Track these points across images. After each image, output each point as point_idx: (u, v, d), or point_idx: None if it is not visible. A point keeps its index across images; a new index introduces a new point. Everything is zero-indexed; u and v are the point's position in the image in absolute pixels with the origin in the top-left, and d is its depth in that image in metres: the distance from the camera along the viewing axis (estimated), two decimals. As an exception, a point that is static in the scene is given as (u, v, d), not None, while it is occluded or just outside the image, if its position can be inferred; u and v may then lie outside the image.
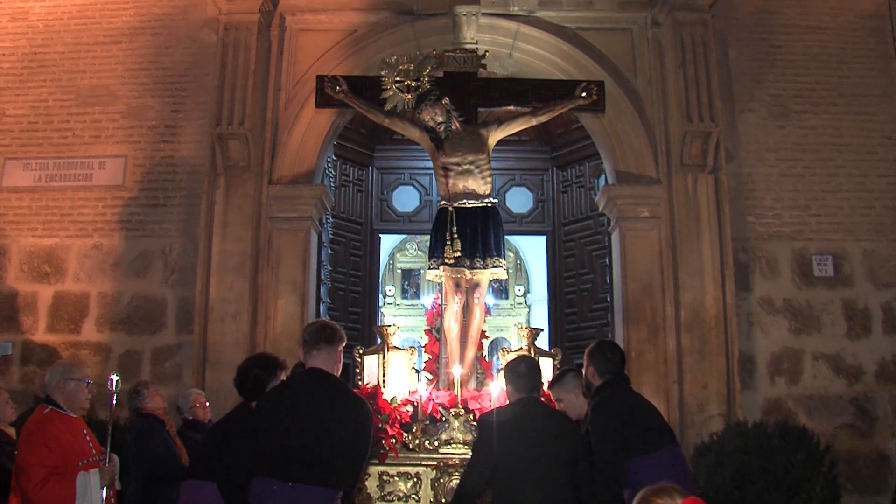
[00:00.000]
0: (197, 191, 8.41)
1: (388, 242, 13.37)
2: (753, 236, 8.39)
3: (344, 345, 4.26)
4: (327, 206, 8.82)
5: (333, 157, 9.61)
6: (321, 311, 8.87)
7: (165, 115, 8.72)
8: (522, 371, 4.74)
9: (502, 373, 5.23)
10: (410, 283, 16.58)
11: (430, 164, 10.61)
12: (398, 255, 16.40)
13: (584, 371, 4.88)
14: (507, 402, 4.87)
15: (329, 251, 9.41)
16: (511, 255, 15.35)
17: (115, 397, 5.26)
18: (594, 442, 4.51)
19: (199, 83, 8.72)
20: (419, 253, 16.32)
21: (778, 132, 8.64)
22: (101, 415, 6.63)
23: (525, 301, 16.06)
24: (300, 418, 3.98)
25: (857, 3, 8.99)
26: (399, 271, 16.58)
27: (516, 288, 16.16)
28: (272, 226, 8.28)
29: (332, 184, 9.56)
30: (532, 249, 14.45)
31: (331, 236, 9.52)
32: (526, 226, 10.80)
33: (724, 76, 8.64)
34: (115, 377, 5.35)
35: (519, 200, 10.65)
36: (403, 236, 16.36)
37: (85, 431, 4.95)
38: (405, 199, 10.78)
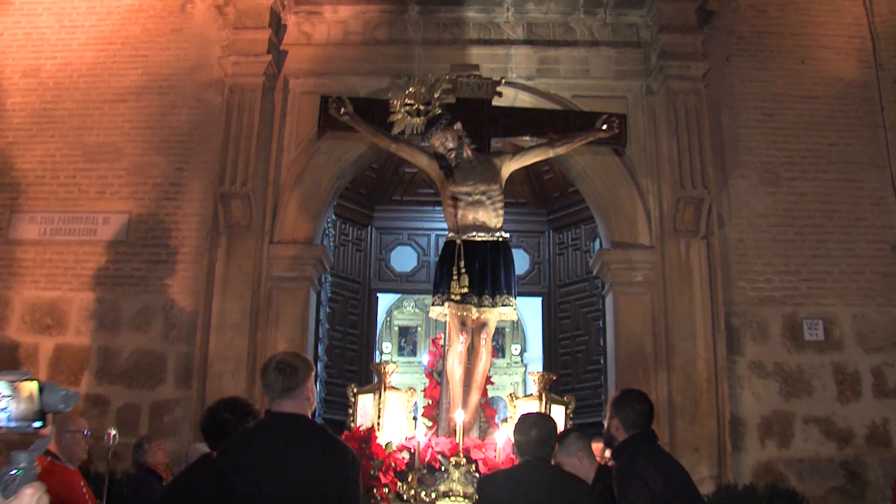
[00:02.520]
0: (199, 248, 8.56)
1: (385, 300, 13.50)
2: (745, 301, 8.51)
3: (313, 374, 3.67)
4: (326, 266, 8.98)
5: (333, 217, 9.80)
6: (318, 368, 8.99)
7: (170, 173, 8.89)
8: (532, 433, 4.28)
9: (513, 428, 4.62)
10: (407, 340, 16.62)
11: (428, 224, 10.97)
12: (395, 313, 16.49)
13: (606, 423, 4.25)
14: (515, 461, 4.51)
15: (327, 310, 9.55)
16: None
17: (111, 451, 5.42)
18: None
19: (203, 143, 8.90)
20: (416, 310, 16.43)
21: (769, 198, 8.79)
22: (99, 467, 6.73)
23: (521, 360, 16.13)
24: (272, 476, 3.36)
25: (846, 73, 9.20)
26: (396, 328, 16.64)
27: (513, 347, 16.23)
28: (272, 285, 8.43)
29: (331, 243, 9.75)
30: (528, 310, 14.57)
31: (329, 295, 9.67)
32: (522, 287, 10.90)
33: (717, 143, 8.82)
34: (113, 431, 5.52)
35: (515, 262, 10.77)
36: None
37: (82, 483, 5.09)
38: (403, 260, 10.96)
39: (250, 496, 3.32)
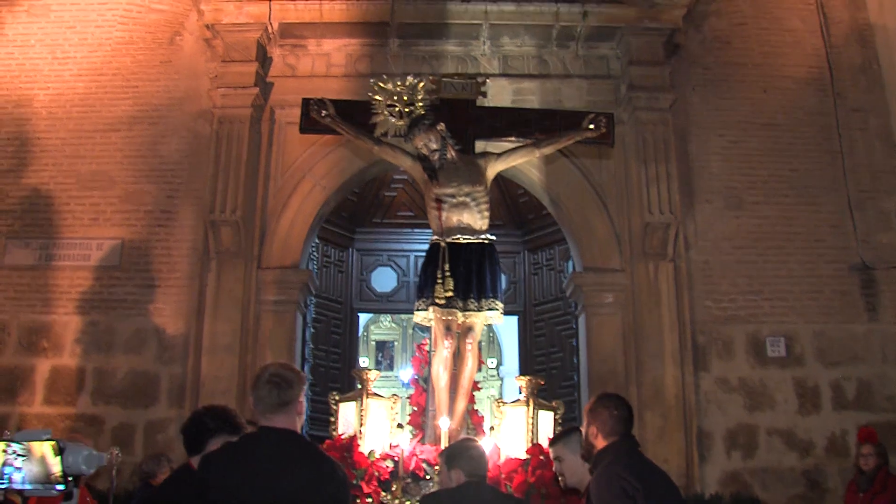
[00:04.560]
0: (190, 273, 8.88)
1: (365, 315, 13.81)
2: (710, 319, 8.88)
3: (304, 388, 3.55)
4: (312, 289, 9.35)
5: (316, 240, 10.13)
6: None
7: (161, 200, 9.17)
8: (475, 455, 4.38)
9: (444, 455, 4.61)
10: (384, 354, 16.78)
11: (407, 245, 11.34)
12: (372, 327, 16.67)
13: (584, 431, 4.02)
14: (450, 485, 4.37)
15: (311, 330, 9.90)
16: (485, 328, 15.65)
17: (115, 468, 5.79)
18: None
19: (193, 171, 9.20)
20: (393, 325, 16.69)
21: (733, 222, 9.16)
22: (98, 485, 7.07)
23: (498, 373, 16.42)
24: (259, 493, 3.20)
25: (805, 101, 9.60)
26: (373, 343, 16.84)
27: (489, 360, 16.50)
28: (260, 308, 8.77)
29: (314, 265, 10.10)
30: (504, 327, 14.91)
31: (313, 316, 10.01)
32: (498, 306, 11.33)
33: (684, 170, 9.21)
34: (115, 450, 5.89)
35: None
36: (379, 309, 16.56)
37: (88, 499, 5.50)
38: (383, 280, 11.32)
39: None
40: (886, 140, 9.56)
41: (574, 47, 9.45)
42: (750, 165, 9.41)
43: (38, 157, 9.42)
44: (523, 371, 10.74)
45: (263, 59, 9.35)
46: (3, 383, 8.78)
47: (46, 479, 3.01)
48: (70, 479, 3.14)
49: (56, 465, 3.03)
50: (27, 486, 3.05)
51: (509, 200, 11.04)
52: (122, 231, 9.13)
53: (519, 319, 11.19)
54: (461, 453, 4.41)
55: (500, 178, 9.35)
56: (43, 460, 3.04)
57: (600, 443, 3.86)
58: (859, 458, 7.08)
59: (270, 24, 9.22)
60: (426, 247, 6.84)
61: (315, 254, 10.24)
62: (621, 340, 8.76)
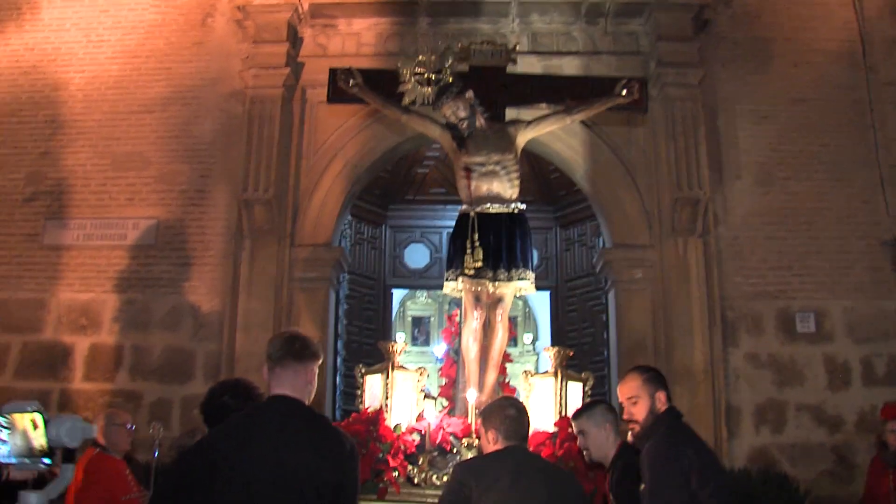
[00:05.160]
0: (224, 251, 9.03)
1: (399, 291, 13.93)
2: (740, 295, 8.89)
3: (319, 362, 3.48)
4: (344, 266, 9.46)
5: (349, 217, 10.24)
6: (338, 363, 9.50)
7: (195, 180, 9.32)
8: (512, 414, 4.01)
9: (481, 415, 4.32)
10: (420, 330, 16.86)
11: (440, 222, 11.40)
12: (409, 303, 16.76)
13: (648, 401, 3.87)
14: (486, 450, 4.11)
15: (345, 306, 10.03)
16: (520, 303, 15.73)
17: (157, 442, 6.00)
18: (651, 494, 3.65)
19: (226, 151, 9.33)
20: (429, 301, 16.78)
21: (763, 198, 9.14)
22: (139, 457, 7.24)
23: (534, 349, 16.40)
24: (266, 466, 3.11)
25: (837, 76, 9.52)
26: (409, 319, 16.95)
27: (525, 335, 16.49)
28: (294, 285, 8.90)
29: (347, 242, 10.22)
30: (537, 303, 14.93)
31: (346, 292, 10.14)
32: (530, 281, 11.41)
33: (713, 145, 9.19)
34: (158, 425, 6.12)
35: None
36: (415, 287, 16.81)
37: (127, 472, 5.69)
38: (416, 256, 11.42)
39: (240, 485, 3.08)
40: (920, 115, 9.46)
41: (603, 23, 9.44)
42: (780, 141, 9.36)
43: (74, 139, 9.60)
44: (555, 346, 10.77)
45: (294, 40, 9.44)
46: (43, 360, 9.00)
47: (30, 453, 2.96)
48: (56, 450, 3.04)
49: (39, 438, 2.98)
50: (12, 461, 3.01)
51: (541, 177, 11.07)
52: (157, 210, 9.29)
53: (551, 295, 11.25)
54: (495, 413, 4.08)
55: (531, 154, 9.47)
56: (25, 434, 3.00)
57: (663, 406, 3.88)
58: (888, 434, 7.02)
59: (301, 4, 9.30)
60: (461, 197, 6.66)
61: (348, 231, 10.36)
62: (651, 316, 8.79)
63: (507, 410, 4.03)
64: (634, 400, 3.92)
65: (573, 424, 4.61)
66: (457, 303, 7.04)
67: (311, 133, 9.35)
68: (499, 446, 3.98)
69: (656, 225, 9.00)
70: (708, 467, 3.62)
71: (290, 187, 9.16)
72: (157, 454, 6.03)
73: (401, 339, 16.91)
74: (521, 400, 4.38)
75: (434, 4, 9.33)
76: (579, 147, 9.16)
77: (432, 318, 16.97)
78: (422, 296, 16.73)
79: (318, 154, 9.26)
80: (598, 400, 4.91)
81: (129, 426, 5.87)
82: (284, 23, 9.29)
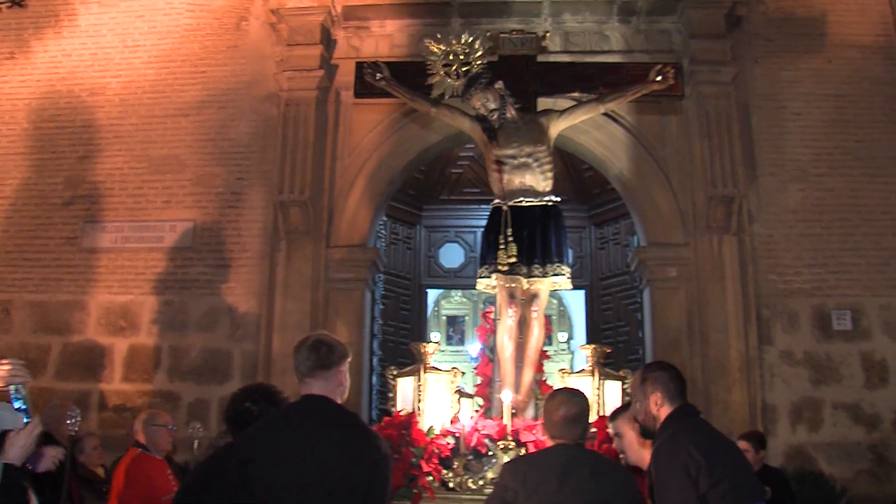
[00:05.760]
0: (260, 253, 9.11)
1: (433, 291, 14.00)
2: (775, 293, 8.84)
3: (348, 361, 3.46)
4: (380, 266, 9.52)
5: (384, 217, 10.29)
6: (374, 363, 9.56)
7: (231, 182, 9.41)
8: (557, 420, 3.83)
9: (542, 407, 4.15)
10: (455, 329, 16.91)
11: (474, 221, 11.42)
12: (443, 303, 16.81)
13: (643, 402, 3.67)
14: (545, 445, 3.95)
15: (380, 306, 10.09)
16: (555, 301, 15.71)
17: (196, 441, 6.09)
18: (661, 490, 3.44)
19: (261, 153, 9.41)
20: (464, 300, 16.84)
21: (797, 195, 9.09)
22: (178, 458, 7.34)
23: (569, 347, 16.38)
24: (298, 465, 3.09)
25: (871, 71, 9.45)
26: (444, 318, 16.99)
27: (560, 334, 16.45)
28: (329, 286, 8.98)
29: (382, 243, 10.28)
30: (572, 301, 14.92)
31: (382, 292, 10.20)
32: (565, 280, 11.42)
33: (747, 143, 9.15)
34: (197, 425, 6.22)
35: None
36: (449, 285, 16.63)
37: (168, 471, 5.79)
38: (451, 256, 11.48)
39: (272, 486, 3.07)
40: (956, 109, 9.36)
41: (635, 22, 9.43)
42: (814, 137, 9.30)
43: (111, 142, 9.73)
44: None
45: (328, 42, 9.51)
46: (83, 361, 9.14)
47: None
48: None
49: None
50: None
51: (574, 175, 11.08)
52: (193, 213, 9.39)
53: (586, 293, 11.26)
54: (545, 410, 3.95)
55: (564, 153, 9.49)
56: None
57: (665, 411, 3.61)
58: None
59: (333, 6, 9.38)
60: (493, 191, 6.54)
61: (383, 231, 10.42)
62: (685, 314, 8.78)
63: (557, 409, 3.85)
64: (634, 400, 3.79)
65: (609, 427, 4.37)
66: (492, 300, 6.91)
67: (345, 134, 9.42)
68: (548, 444, 3.87)
69: (690, 223, 8.97)
70: (718, 466, 3.32)
71: (326, 188, 9.23)
72: (194, 455, 6.14)
73: (435, 338, 17.07)
74: (580, 393, 4.13)
75: (466, 5, 9.37)
76: (613, 145, 9.17)
77: (467, 317, 17.01)
78: (456, 295, 16.76)
79: (353, 155, 9.33)
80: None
81: (169, 426, 5.97)
82: (318, 25, 9.36)
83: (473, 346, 15.68)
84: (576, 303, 13.61)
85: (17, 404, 3.41)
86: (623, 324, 10.44)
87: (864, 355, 8.75)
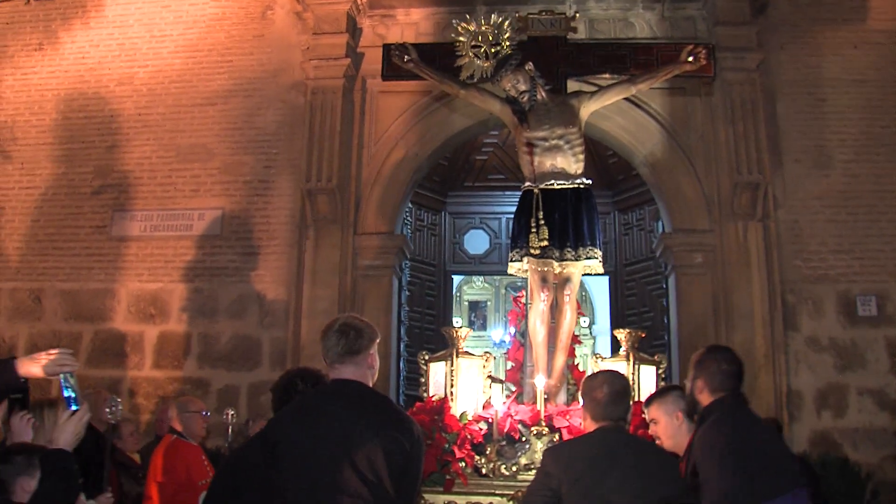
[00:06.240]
0: (288, 240, 9.20)
1: (456, 277, 14.07)
2: (800, 279, 8.86)
3: (377, 342, 3.41)
4: (407, 253, 9.60)
5: (410, 204, 10.36)
6: (401, 348, 9.65)
7: (258, 171, 9.49)
8: (601, 398, 3.74)
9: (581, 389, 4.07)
10: (477, 314, 16.89)
11: (499, 208, 11.50)
12: (465, 288, 16.81)
13: (688, 385, 3.79)
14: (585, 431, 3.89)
15: (406, 293, 10.18)
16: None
17: (230, 427, 6.20)
18: (703, 479, 3.44)
19: (288, 141, 9.48)
20: (485, 285, 16.87)
21: (823, 181, 9.08)
22: (209, 443, 7.44)
23: (591, 332, 16.38)
24: (328, 447, 3.06)
25: (896, 57, 9.46)
26: (466, 303, 16.99)
27: (581, 319, 16.45)
28: (357, 273, 9.07)
29: (408, 229, 10.35)
30: (595, 287, 14.93)
31: (408, 279, 10.29)
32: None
33: (772, 129, 9.15)
34: (231, 411, 6.33)
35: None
36: (471, 270, 16.69)
37: (203, 457, 5.91)
38: (476, 243, 11.55)
39: (302, 468, 3.07)
40: (982, 93, 9.31)
41: (660, 9, 9.42)
42: (840, 123, 9.27)
43: (139, 132, 9.82)
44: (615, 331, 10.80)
45: (353, 30, 9.55)
46: (114, 348, 9.27)
47: None
48: None
49: None
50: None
51: (599, 161, 11.08)
52: (222, 201, 9.48)
53: (610, 279, 11.29)
54: (584, 392, 3.86)
55: (588, 139, 9.42)
56: None
57: (706, 398, 3.65)
58: None
59: (359, -6, 9.42)
60: (524, 174, 6.41)
61: (409, 218, 10.50)
62: (711, 300, 8.80)
63: (595, 390, 3.78)
64: (688, 377, 3.83)
65: (645, 412, 4.35)
66: (515, 285, 6.84)
67: (371, 122, 9.48)
68: (590, 428, 3.79)
69: (716, 209, 8.99)
70: (754, 456, 3.40)
71: (353, 176, 9.30)
72: (229, 441, 6.25)
73: (458, 323, 17.08)
74: (620, 373, 4.11)
75: (491, -7, 9.38)
76: (638, 132, 9.19)
77: (489, 303, 17.03)
78: (478, 280, 16.77)
79: (380, 143, 9.39)
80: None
81: (203, 412, 6.08)
82: (344, 14, 9.40)
83: (497, 332, 15.75)
84: (598, 288, 13.62)
85: (66, 392, 3.55)
86: (647, 309, 10.47)
87: (890, 341, 8.76)
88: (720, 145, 9.05)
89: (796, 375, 8.67)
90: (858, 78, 9.41)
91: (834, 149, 9.21)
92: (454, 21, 6.73)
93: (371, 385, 3.34)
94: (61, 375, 3.54)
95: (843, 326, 8.81)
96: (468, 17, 6.67)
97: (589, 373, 5.94)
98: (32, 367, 3.52)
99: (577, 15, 7.20)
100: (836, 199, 9.09)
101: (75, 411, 3.54)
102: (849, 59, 9.47)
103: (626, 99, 8.09)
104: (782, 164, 9.15)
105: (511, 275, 6.59)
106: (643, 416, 4.45)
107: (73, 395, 3.56)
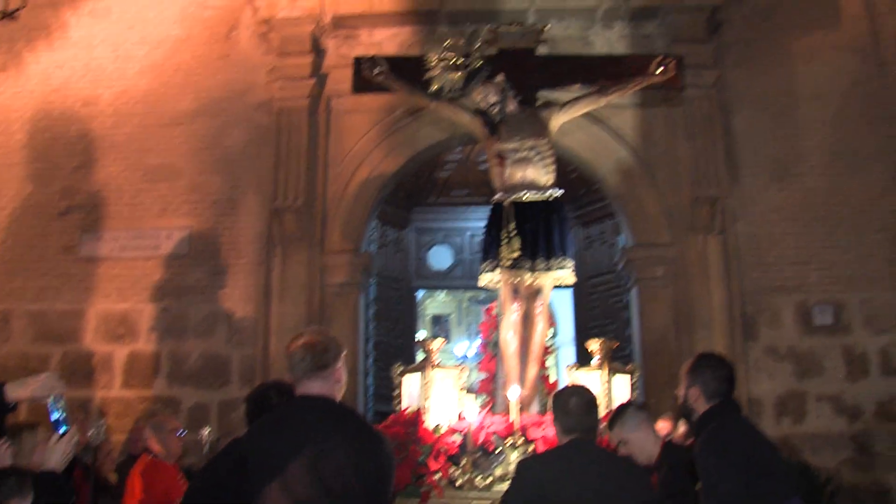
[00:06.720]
0: (256, 259, 9.27)
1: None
2: (759, 290, 9.04)
3: (343, 356, 3.33)
4: (373, 271, 9.71)
5: (375, 220, 10.44)
6: (368, 364, 9.74)
7: (225, 190, 9.54)
8: (571, 408, 3.77)
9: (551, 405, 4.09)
10: (440, 328, 16.97)
11: (462, 224, 11.63)
12: (428, 302, 16.88)
13: (682, 393, 3.81)
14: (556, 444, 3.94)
15: (373, 308, 10.25)
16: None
17: (207, 445, 6.28)
18: (707, 485, 3.49)
19: (255, 161, 9.53)
20: (447, 299, 16.94)
21: (779, 194, 9.26)
22: (182, 461, 7.49)
23: (553, 343, 16.46)
24: (299, 461, 2.99)
25: (850, 71, 9.62)
26: (429, 317, 17.06)
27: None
28: (325, 290, 9.14)
29: (374, 245, 10.44)
30: (558, 300, 15.07)
31: (374, 295, 10.35)
32: (553, 279, 11.59)
33: (730, 143, 9.33)
34: (207, 429, 6.42)
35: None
36: (433, 283, 16.71)
37: (179, 477, 5.98)
38: (440, 258, 11.67)
39: (273, 481, 2.98)
40: (934, 106, 9.53)
41: (619, 27, 9.60)
42: (796, 137, 9.46)
43: (106, 152, 9.82)
44: (578, 344, 10.93)
45: (318, 51, 9.63)
46: (83, 369, 9.26)
47: None
48: None
49: None
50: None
51: (560, 176, 11.12)
52: (189, 221, 9.52)
53: (573, 292, 11.42)
54: (555, 405, 3.88)
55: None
56: None
57: (702, 405, 3.71)
58: None
59: (323, 16, 9.50)
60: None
61: (374, 234, 10.59)
62: (672, 312, 8.98)
63: (566, 401, 3.81)
64: (680, 382, 3.88)
65: (610, 437, 4.41)
66: (477, 300, 6.98)
67: (337, 142, 9.54)
68: (561, 441, 3.81)
69: (676, 223, 9.16)
70: (757, 463, 3.50)
71: (319, 195, 9.37)
72: (204, 460, 6.32)
73: (421, 337, 17.06)
74: (587, 387, 4.15)
75: (453, 13, 9.49)
76: (598, 147, 9.36)
77: (452, 316, 17.11)
78: (441, 294, 16.82)
79: (345, 162, 9.47)
80: (625, 404, 4.70)
81: (179, 432, 6.15)
82: (308, 35, 9.50)
83: (460, 346, 15.84)
84: (561, 301, 13.73)
85: (55, 415, 3.64)
86: (610, 322, 10.60)
87: (846, 349, 8.97)
88: (680, 160, 9.23)
89: (756, 383, 8.85)
90: (813, 92, 9.60)
91: (790, 162, 9.40)
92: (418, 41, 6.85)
93: (338, 399, 3.29)
94: (49, 398, 3.62)
95: (801, 335, 9.00)
96: (433, 36, 6.77)
97: (562, 383, 6.29)
98: (21, 391, 3.58)
99: (546, 27, 7.38)
100: (793, 212, 9.27)
101: (65, 433, 3.64)
102: (802, 75, 9.67)
103: (587, 114, 8.20)
104: (740, 178, 9.33)
105: (476, 288, 6.75)
106: (608, 439, 4.50)
107: (61, 417, 3.65)
